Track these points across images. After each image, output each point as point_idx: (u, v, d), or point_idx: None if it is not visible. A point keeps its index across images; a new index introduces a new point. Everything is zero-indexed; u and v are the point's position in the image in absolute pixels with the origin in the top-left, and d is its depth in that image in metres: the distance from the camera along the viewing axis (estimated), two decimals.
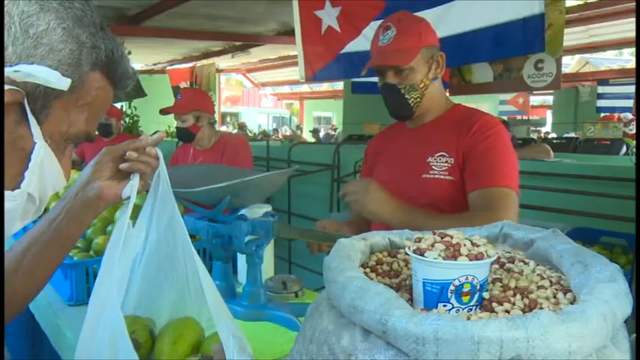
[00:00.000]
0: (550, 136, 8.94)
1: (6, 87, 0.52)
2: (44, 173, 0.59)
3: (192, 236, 0.96)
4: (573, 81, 9.82)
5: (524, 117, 10.65)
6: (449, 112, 1.43)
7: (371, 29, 2.46)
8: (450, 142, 1.35)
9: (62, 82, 0.55)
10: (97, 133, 4.28)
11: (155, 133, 0.94)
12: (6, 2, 0.53)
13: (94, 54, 0.59)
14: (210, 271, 0.98)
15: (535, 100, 13.44)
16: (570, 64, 9.67)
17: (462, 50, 2.33)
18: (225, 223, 1.17)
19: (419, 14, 2.26)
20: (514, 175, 1.30)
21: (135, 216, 0.89)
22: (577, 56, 9.19)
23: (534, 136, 8.09)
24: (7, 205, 0.57)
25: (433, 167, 1.35)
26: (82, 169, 0.92)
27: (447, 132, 1.37)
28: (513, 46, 2.19)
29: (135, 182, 0.85)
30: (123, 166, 0.85)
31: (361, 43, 2.52)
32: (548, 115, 12.34)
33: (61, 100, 0.57)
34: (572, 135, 7.17)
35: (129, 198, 0.85)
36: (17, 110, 0.54)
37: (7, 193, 0.57)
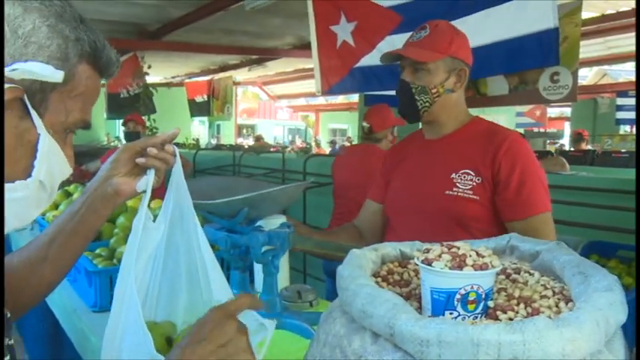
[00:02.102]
0: (566, 148, 8.87)
1: (6, 85, 0.56)
2: (51, 162, 0.63)
3: (211, 246, 0.99)
4: (591, 93, 9.71)
5: (541, 129, 10.58)
6: (468, 125, 1.40)
7: (386, 43, 2.49)
8: (475, 160, 1.31)
9: (56, 75, 0.59)
10: (125, 141, 4.45)
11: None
12: None
13: (78, 46, 0.63)
14: (228, 280, 1.01)
15: (552, 111, 13.30)
16: (588, 75, 9.56)
17: (475, 64, 2.35)
18: (243, 234, 1.21)
19: None
20: (546, 195, 1.30)
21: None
22: (595, 68, 9.09)
23: (551, 148, 8.03)
24: (21, 193, 0.61)
25: (457, 184, 1.31)
26: None
27: (470, 147, 1.34)
28: (528, 59, 2.20)
29: (150, 177, 0.90)
30: (140, 160, 0.89)
31: (376, 57, 2.54)
32: (567, 127, 12.21)
33: (56, 93, 0.61)
34: (590, 147, 7.09)
35: (144, 191, 0.89)
36: (19, 106, 0.59)
37: (20, 183, 0.61)
